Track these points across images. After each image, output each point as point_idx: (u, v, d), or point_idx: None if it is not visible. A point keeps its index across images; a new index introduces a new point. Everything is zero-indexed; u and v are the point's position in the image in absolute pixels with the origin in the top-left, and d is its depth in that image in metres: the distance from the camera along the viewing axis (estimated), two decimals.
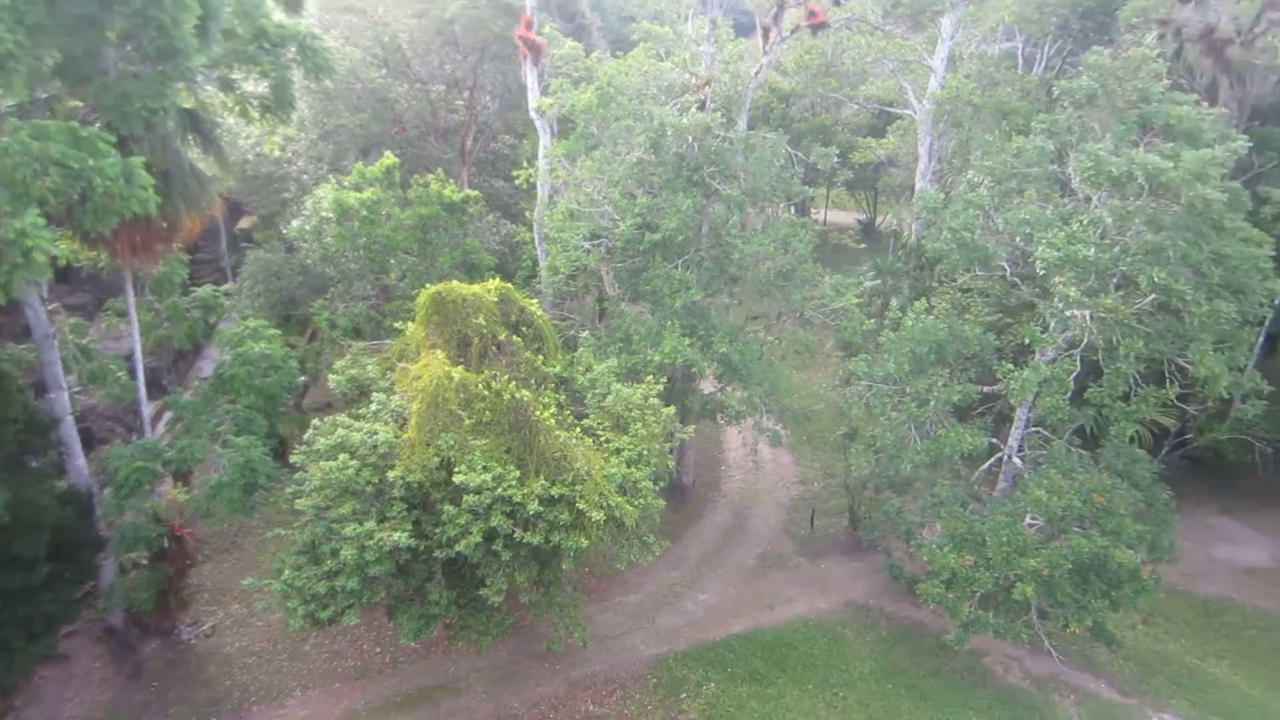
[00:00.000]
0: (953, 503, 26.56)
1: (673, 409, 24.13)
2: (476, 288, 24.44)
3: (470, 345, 23.24)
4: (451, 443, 20.52)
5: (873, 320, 30.51)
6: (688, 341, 27.04)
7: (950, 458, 26.63)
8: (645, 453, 22.41)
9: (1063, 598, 24.16)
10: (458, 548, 19.68)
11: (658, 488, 22.46)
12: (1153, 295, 24.68)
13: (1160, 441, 34.91)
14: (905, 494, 28.96)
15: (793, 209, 39.36)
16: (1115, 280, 25.60)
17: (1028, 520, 25.49)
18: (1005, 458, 28.47)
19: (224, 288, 31.66)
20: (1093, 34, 45.46)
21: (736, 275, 29.47)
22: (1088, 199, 27.07)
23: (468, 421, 20.91)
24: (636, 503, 21.32)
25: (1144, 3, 41.67)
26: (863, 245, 52.53)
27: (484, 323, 23.37)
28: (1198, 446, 36.09)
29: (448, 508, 19.91)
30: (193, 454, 23.33)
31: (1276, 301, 30.42)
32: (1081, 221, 25.54)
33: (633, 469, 21.86)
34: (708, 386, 30.77)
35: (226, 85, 24.62)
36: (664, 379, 25.19)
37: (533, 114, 33.07)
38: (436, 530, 20.13)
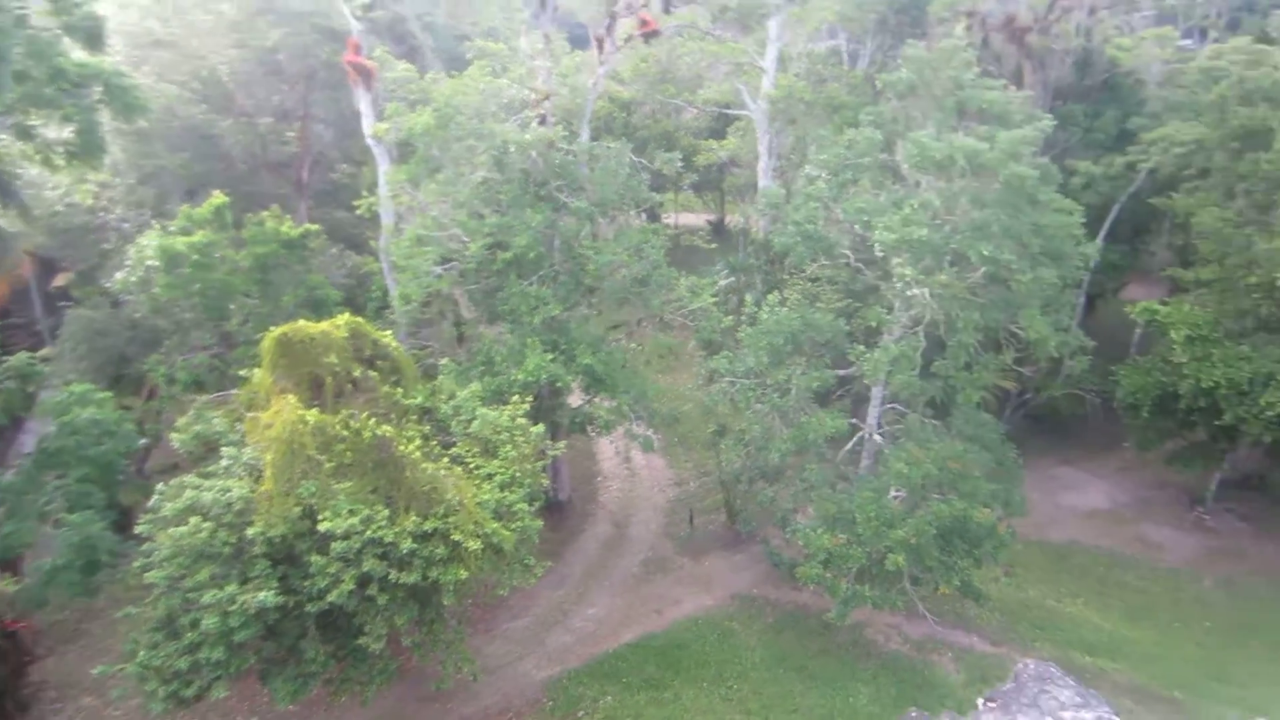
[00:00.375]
0: (822, 485, 27.47)
1: (542, 427, 23.94)
2: (325, 325, 23.50)
3: (323, 386, 22.35)
4: (313, 490, 19.68)
5: (730, 317, 31.18)
6: (550, 357, 26.92)
7: (815, 442, 27.51)
8: (518, 474, 22.15)
9: (930, 562, 25.37)
10: (330, 598, 18.90)
11: (534, 508, 22.22)
12: (983, 269, 26.18)
13: (1003, 404, 37.18)
14: (777, 482, 29.73)
15: (643, 216, 39.81)
16: (948, 258, 26.96)
17: (892, 493, 26.61)
18: (866, 436, 29.62)
19: (41, 353, 29.25)
20: (908, 28, 47.90)
21: (593, 286, 29.57)
22: (917, 183, 28.43)
23: (328, 465, 20.11)
24: (514, 526, 21.03)
25: None
26: (714, 245, 53.68)
27: (336, 361, 22.52)
28: (1036, 405, 38.67)
29: (315, 558, 19.10)
30: (20, 540, 21.39)
31: (1091, 264, 32.95)
32: (913, 205, 26.77)
33: (506, 493, 21.56)
34: (575, 400, 30.73)
35: (24, 133, 22.86)
36: (530, 397, 24.95)
37: (369, 140, 32.22)
38: (305, 584, 19.26)
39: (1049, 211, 28.26)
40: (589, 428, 30.14)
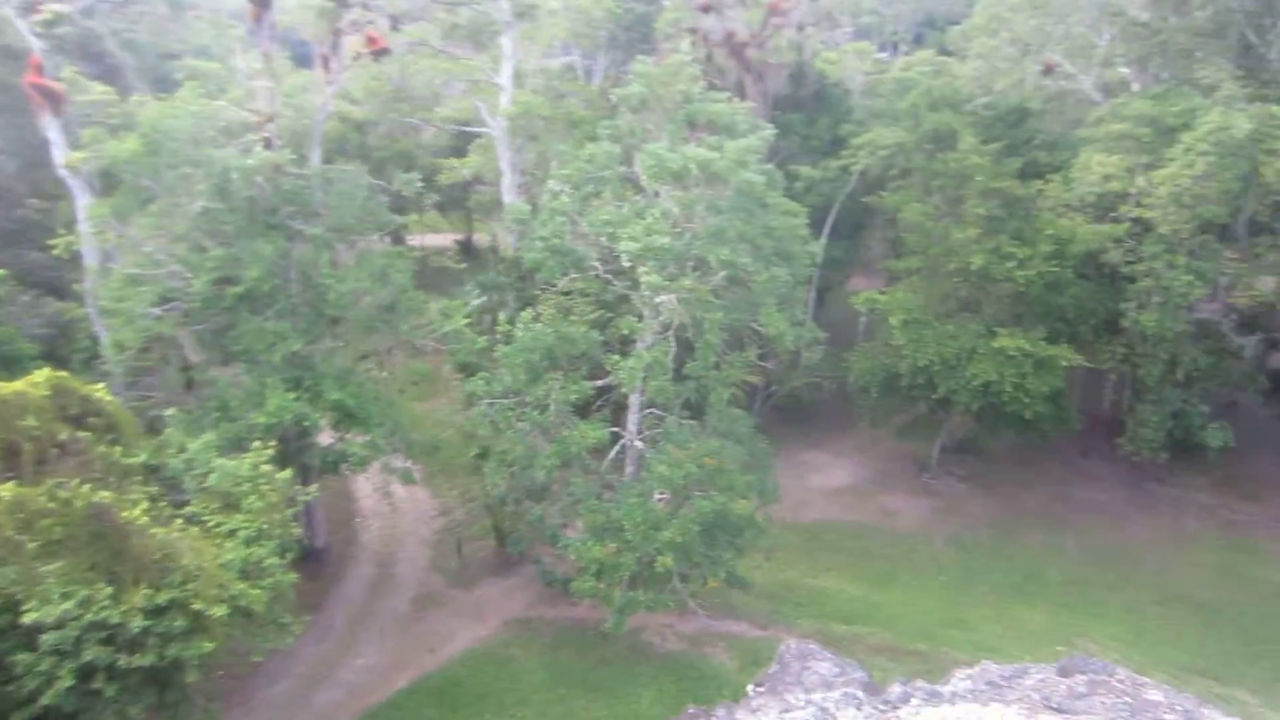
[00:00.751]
0: (589, 497, 27.72)
1: (290, 472, 22.37)
2: (19, 384, 20.71)
3: (21, 454, 19.63)
4: (12, 576, 17.18)
5: (485, 338, 30.72)
6: (294, 395, 25.31)
7: (579, 455, 27.76)
8: (265, 527, 20.55)
9: (697, 558, 26.34)
10: (44, 701, 16.53)
11: (287, 561, 20.70)
12: (723, 272, 27.52)
13: (752, 398, 39.35)
14: (545, 499, 29.69)
15: (386, 239, 38.51)
16: (691, 263, 28.14)
17: (656, 496, 27.32)
18: (628, 443, 30.24)
19: None
20: (638, 43, 49.72)
21: (336, 316, 28.16)
22: (656, 193, 29.39)
23: (32, 546, 17.63)
24: (264, 584, 19.49)
25: (674, 14, 46.30)
26: (464, 265, 52.79)
27: (35, 423, 19.87)
28: (781, 396, 41.30)
29: (22, 656, 16.65)
30: None
31: (818, 261, 35.59)
32: (654, 214, 27.65)
33: (254, 548, 19.94)
34: (326, 438, 29.07)
35: None
36: (274, 441, 23.24)
37: (62, 172, 28.88)
38: (10, 688, 16.75)
39: (778, 214, 30.18)
40: (343, 466, 28.65)
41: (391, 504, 34.93)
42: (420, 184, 32.46)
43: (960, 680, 9.57)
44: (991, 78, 43.65)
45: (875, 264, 47.48)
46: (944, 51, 53.03)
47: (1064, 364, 34.76)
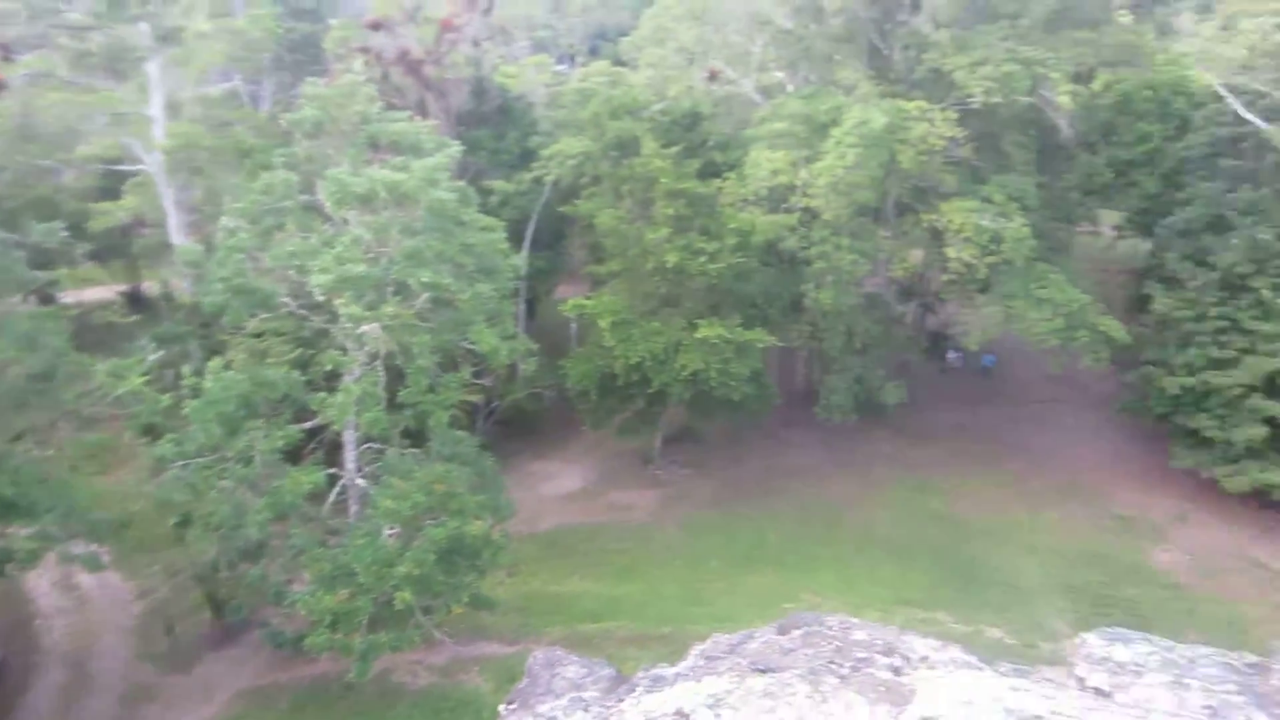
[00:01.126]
0: (312, 546, 26.07)
1: None
2: None
3: None
4: None
5: (169, 395, 27.78)
6: None
7: (295, 504, 25.93)
8: None
9: (438, 588, 25.56)
10: None
11: None
12: (426, 294, 26.88)
13: (474, 417, 38.91)
14: (263, 557, 27.37)
15: (31, 299, 33.59)
16: (391, 289, 27.22)
17: (387, 532, 26.18)
18: (349, 482, 28.76)
19: None
20: (307, 65, 47.34)
21: None
22: (345, 220, 28.16)
23: None
24: None
25: (342, 32, 44.62)
26: (134, 318, 47.30)
27: None
28: (503, 410, 41.21)
29: None
30: None
31: (522, 273, 35.83)
32: (345, 242, 26.42)
33: None
34: None
35: None
36: None
37: None
38: None
39: (475, 231, 29.97)
40: (7, 566, 24.67)
41: (78, 596, 30.70)
42: (65, 233, 28.65)
43: (694, 656, 9.86)
44: (664, 85, 46.20)
45: (579, 271, 48.63)
46: (618, 62, 55.46)
47: (760, 346, 37.49)
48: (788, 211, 38.79)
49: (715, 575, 35.16)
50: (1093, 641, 7.24)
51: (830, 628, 8.52)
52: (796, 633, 8.64)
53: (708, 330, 35.94)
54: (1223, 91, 38.89)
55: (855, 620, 8.91)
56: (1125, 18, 43.69)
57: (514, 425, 42.26)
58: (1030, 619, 32.29)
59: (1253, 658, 7.18)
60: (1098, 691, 6.68)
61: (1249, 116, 37.47)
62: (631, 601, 33.00)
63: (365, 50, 42.00)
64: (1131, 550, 36.65)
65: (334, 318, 27.60)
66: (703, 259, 35.87)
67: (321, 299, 26.33)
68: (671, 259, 35.75)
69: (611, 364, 37.06)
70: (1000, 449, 43.50)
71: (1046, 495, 40.21)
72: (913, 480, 41.90)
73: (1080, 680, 6.86)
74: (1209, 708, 6.32)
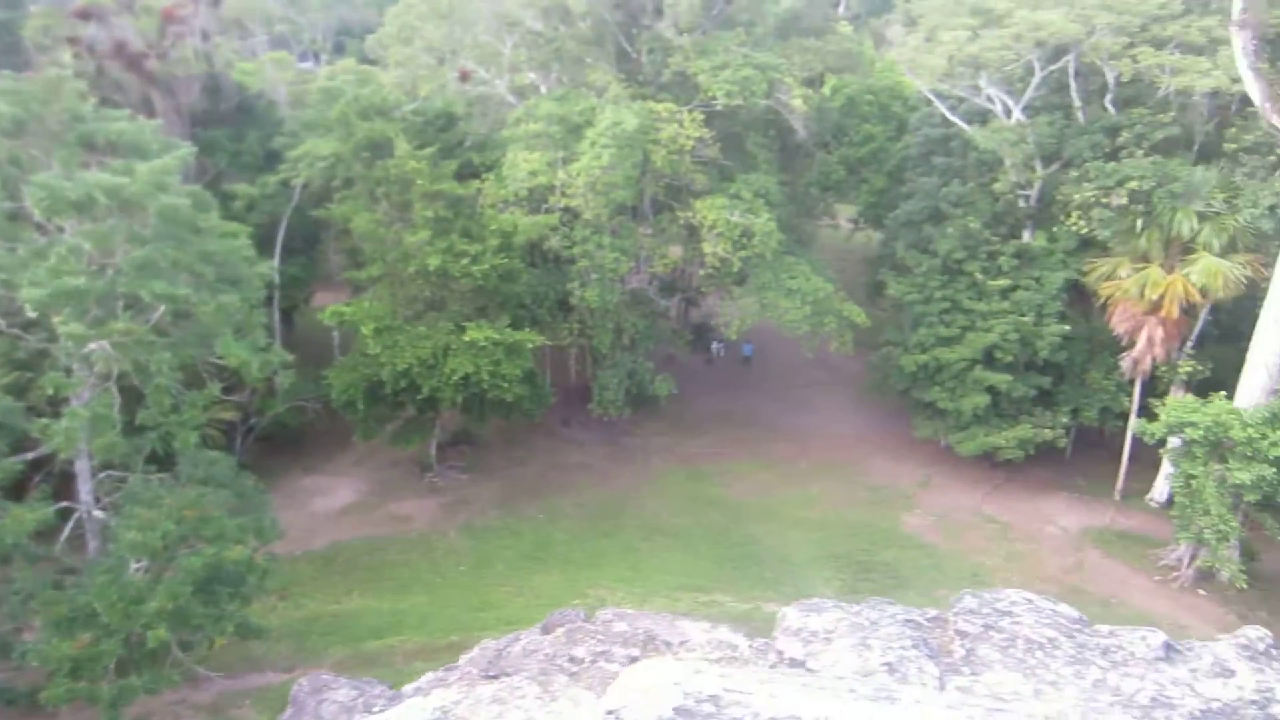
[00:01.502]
0: (44, 589, 23.48)
1: None
2: None
3: None
4: None
5: None
6: None
7: (19, 545, 23.28)
8: None
9: (197, 620, 23.72)
10: None
11: None
12: (162, 306, 24.90)
13: (231, 435, 36.44)
14: None
15: None
16: (120, 302, 25.01)
17: (133, 566, 23.99)
18: (85, 515, 26.15)
19: None
20: (5, 56, 42.34)
21: None
22: (60, 229, 25.60)
23: None
24: None
25: (45, 22, 40.34)
26: None
27: None
28: (264, 426, 38.77)
29: None
30: None
31: (272, 281, 33.92)
32: (60, 253, 24.02)
33: None
34: None
35: None
36: None
37: None
38: None
39: (215, 238, 28.19)
40: None
41: None
42: None
43: (464, 664, 9.63)
44: (415, 84, 45.24)
45: (337, 277, 46.66)
46: (365, 60, 53.65)
47: (531, 346, 37.64)
48: (548, 212, 39.28)
49: (502, 579, 34.92)
50: (791, 614, 7.87)
51: (594, 624, 8.59)
52: (560, 630, 8.68)
53: (476, 333, 35.66)
54: (930, 96, 43.47)
55: (628, 611, 8.99)
56: (846, 28, 47.85)
57: (278, 441, 39.88)
58: (800, 590, 34.31)
59: (934, 612, 8.11)
60: (793, 661, 7.27)
61: (953, 119, 42.12)
62: (416, 614, 32.11)
63: (74, 41, 38.12)
64: (887, 517, 40.01)
65: (54, 337, 24.96)
66: (466, 261, 35.52)
67: (35, 316, 23.75)
68: (433, 262, 35.13)
69: (378, 372, 35.88)
70: (766, 433, 46.18)
71: (810, 473, 43.14)
72: (689, 469, 43.60)
73: (780, 653, 7.41)
74: (887, 664, 7.06)
